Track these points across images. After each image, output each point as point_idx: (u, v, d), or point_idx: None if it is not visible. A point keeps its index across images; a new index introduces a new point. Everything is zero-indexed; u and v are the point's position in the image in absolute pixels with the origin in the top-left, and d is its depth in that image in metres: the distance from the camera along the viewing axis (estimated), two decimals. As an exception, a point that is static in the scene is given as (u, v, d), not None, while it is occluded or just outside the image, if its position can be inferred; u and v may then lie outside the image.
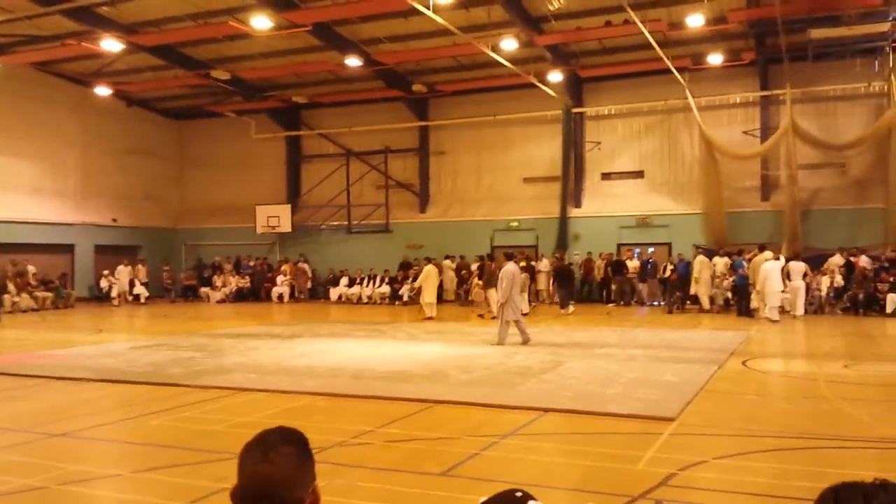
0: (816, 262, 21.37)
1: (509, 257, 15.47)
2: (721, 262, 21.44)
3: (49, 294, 25.64)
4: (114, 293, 27.80)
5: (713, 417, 8.10)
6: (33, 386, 10.31)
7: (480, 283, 21.31)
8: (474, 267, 24.54)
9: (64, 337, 16.83)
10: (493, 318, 18.98)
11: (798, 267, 20.29)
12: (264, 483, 1.78)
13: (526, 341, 14.00)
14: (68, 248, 28.65)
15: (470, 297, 23.27)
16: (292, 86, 28.88)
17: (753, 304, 19.94)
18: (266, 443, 1.82)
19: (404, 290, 26.05)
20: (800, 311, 19.90)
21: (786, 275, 20.02)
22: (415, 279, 23.57)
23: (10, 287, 24.50)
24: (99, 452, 7.23)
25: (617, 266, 24.69)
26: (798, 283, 20.13)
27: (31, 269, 25.87)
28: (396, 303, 26.10)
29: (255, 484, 1.79)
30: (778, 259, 18.94)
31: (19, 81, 26.25)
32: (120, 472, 6.49)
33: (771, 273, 18.55)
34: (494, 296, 19.59)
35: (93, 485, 6.04)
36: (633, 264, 24.69)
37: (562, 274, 23.41)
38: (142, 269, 29.47)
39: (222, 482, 5.16)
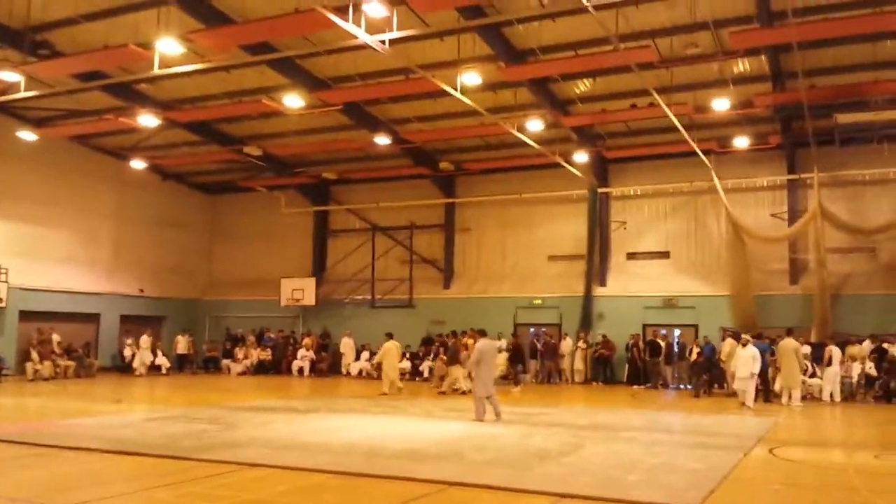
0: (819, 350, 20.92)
1: (482, 333, 15.73)
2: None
3: (71, 363, 25.74)
4: (136, 363, 27.81)
5: (737, 508, 7.76)
6: (43, 455, 10.21)
7: (444, 358, 21.65)
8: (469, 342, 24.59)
9: (82, 406, 16.78)
10: (462, 392, 19.93)
11: (836, 352, 19.85)
12: None
13: (497, 416, 14.26)
14: (94, 318, 28.95)
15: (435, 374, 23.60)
16: (322, 162, 29.44)
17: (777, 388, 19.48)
18: None
19: (425, 367, 25.89)
20: (827, 396, 19.44)
21: (826, 361, 19.63)
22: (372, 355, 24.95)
23: (34, 355, 24.68)
24: (101, 526, 7.07)
25: (653, 347, 24.14)
26: (834, 369, 19.62)
27: (55, 337, 26.09)
28: (417, 379, 25.82)
29: None
30: (745, 345, 18.25)
31: (57, 154, 27.10)
32: (119, 548, 6.33)
33: (739, 359, 18.12)
34: (456, 372, 20.45)
35: (90, 560, 5.86)
36: (663, 345, 24.25)
37: (514, 352, 23.81)
38: (182, 340, 29.62)
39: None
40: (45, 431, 12.22)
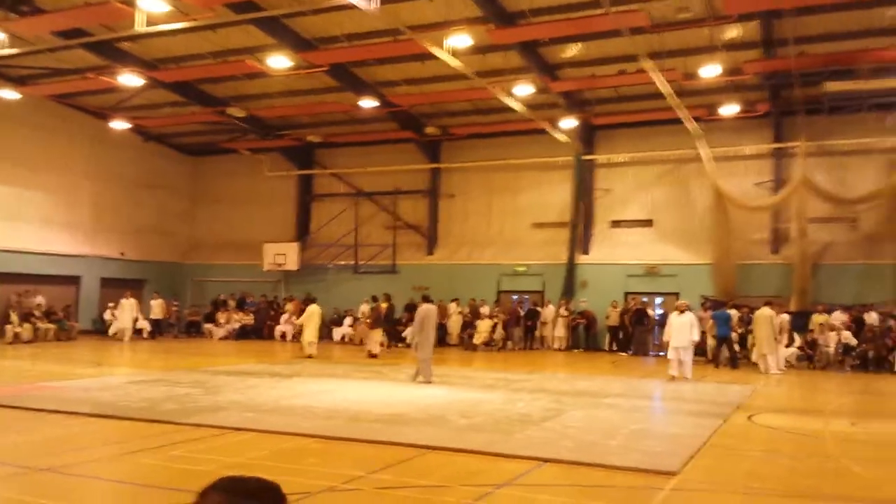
0: (799, 319, 21.28)
1: (425, 299, 16.15)
2: (733, 315, 21.04)
3: (52, 326, 25.52)
4: (113, 329, 27.02)
5: (716, 473, 7.87)
6: (25, 419, 10.16)
7: (368, 321, 22.29)
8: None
9: (63, 369, 16.68)
10: (373, 356, 20.80)
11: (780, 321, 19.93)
12: None
13: (419, 378, 14.88)
14: (75, 280, 28.69)
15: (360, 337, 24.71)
16: (307, 125, 29.12)
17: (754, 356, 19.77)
18: (205, 489, 1.85)
19: (407, 333, 25.98)
20: (772, 368, 18.80)
21: (784, 329, 19.85)
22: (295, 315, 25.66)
23: (13, 317, 24.46)
24: (82, 490, 7.06)
25: (638, 316, 24.26)
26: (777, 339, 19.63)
27: (39, 300, 25.84)
28: (399, 345, 25.86)
29: None
30: (683, 313, 16.64)
31: (38, 113, 26.62)
32: (101, 511, 6.33)
33: (671, 326, 16.67)
34: (376, 336, 21.44)
35: (72, 523, 5.86)
36: (650, 313, 24.46)
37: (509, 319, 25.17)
38: (155, 304, 28.16)
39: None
40: (25, 395, 12.15)
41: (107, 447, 8.80)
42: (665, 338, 17.24)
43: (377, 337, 21.50)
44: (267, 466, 7.50)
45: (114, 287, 28.93)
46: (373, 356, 20.86)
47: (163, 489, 6.74)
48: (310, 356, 20.47)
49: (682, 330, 16.27)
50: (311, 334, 20.99)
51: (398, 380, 15.73)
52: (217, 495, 1.82)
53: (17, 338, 24.06)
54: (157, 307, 28.30)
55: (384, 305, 22.49)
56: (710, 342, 21.21)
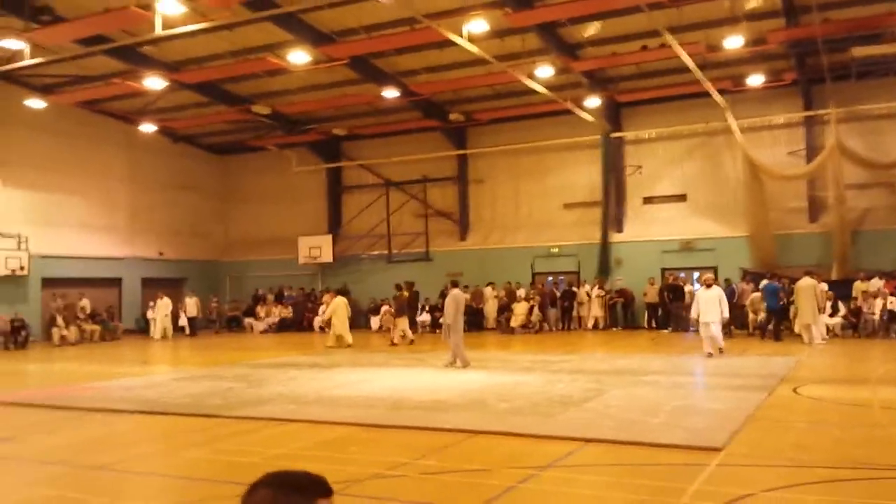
0: (842, 288, 20.89)
1: (454, 284, 16.10)
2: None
3: (97, 327, 26.06)
4: (152, 328, 27.53)
5: (762, 447, 7.77)
6: (73, 418, 10.38)
7: (391, 310, 22.14)
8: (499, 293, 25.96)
9: (109, 369, 17.01)
10: (394, 344, 20.76)
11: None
12: None
13: (458, 364, 14.88)
14: (116, 282, 29.23)
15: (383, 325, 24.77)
16: (332, 119, 29.23)
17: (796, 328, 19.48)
18: (253, 484, 1.88)
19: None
20: (816, 338, 18.43)
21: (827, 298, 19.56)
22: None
23: (59, 320, 24.98)
24: (133, 485, 7.20)
25: (674, 291, 24.07)
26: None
27: (85, 302, 26.36)
28: (437, 331, 25.91)
29: None
30: (710, 287, 16.13)
31: (68, 120, 27.07)
32: (153, 506, 6.45)
33: (698, 302, 16.15)
34: (402, 323, 21.31)
35: (125, 519, 5.97)
36: (688, 288, 24.23)
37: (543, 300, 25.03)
38: (190, 302, 28.65)
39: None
40: (72, 395, 12.41)
41: (154, 443, 8.96)
42: (692, 314, 16.67)
43: (402, 325, 21.51)
44: (312, 456, 7.58)
45: (155, 287, 29.43)
46: (394, 344, 20.92)
47: (211, 482, 6.84)
48: (330, 346, 20.62)
49: (711, 304, 15.79)
50: (339, 327, 21.04)
51: (436, 366, 15.75)
52: (264, 490, 1.85)
53: (63, 340, 24.61)
54: (191, 305, 28.76)
55: (406, 294, 22.45)
56: (752, 315, 21.04)
